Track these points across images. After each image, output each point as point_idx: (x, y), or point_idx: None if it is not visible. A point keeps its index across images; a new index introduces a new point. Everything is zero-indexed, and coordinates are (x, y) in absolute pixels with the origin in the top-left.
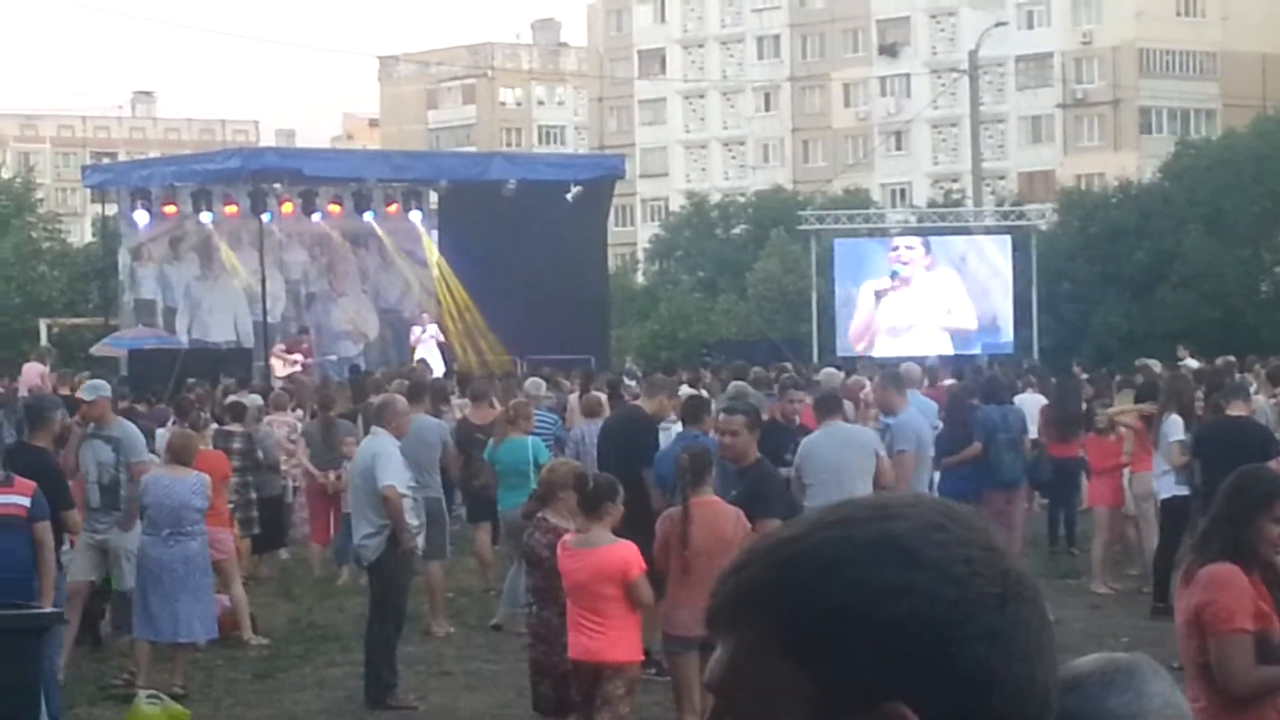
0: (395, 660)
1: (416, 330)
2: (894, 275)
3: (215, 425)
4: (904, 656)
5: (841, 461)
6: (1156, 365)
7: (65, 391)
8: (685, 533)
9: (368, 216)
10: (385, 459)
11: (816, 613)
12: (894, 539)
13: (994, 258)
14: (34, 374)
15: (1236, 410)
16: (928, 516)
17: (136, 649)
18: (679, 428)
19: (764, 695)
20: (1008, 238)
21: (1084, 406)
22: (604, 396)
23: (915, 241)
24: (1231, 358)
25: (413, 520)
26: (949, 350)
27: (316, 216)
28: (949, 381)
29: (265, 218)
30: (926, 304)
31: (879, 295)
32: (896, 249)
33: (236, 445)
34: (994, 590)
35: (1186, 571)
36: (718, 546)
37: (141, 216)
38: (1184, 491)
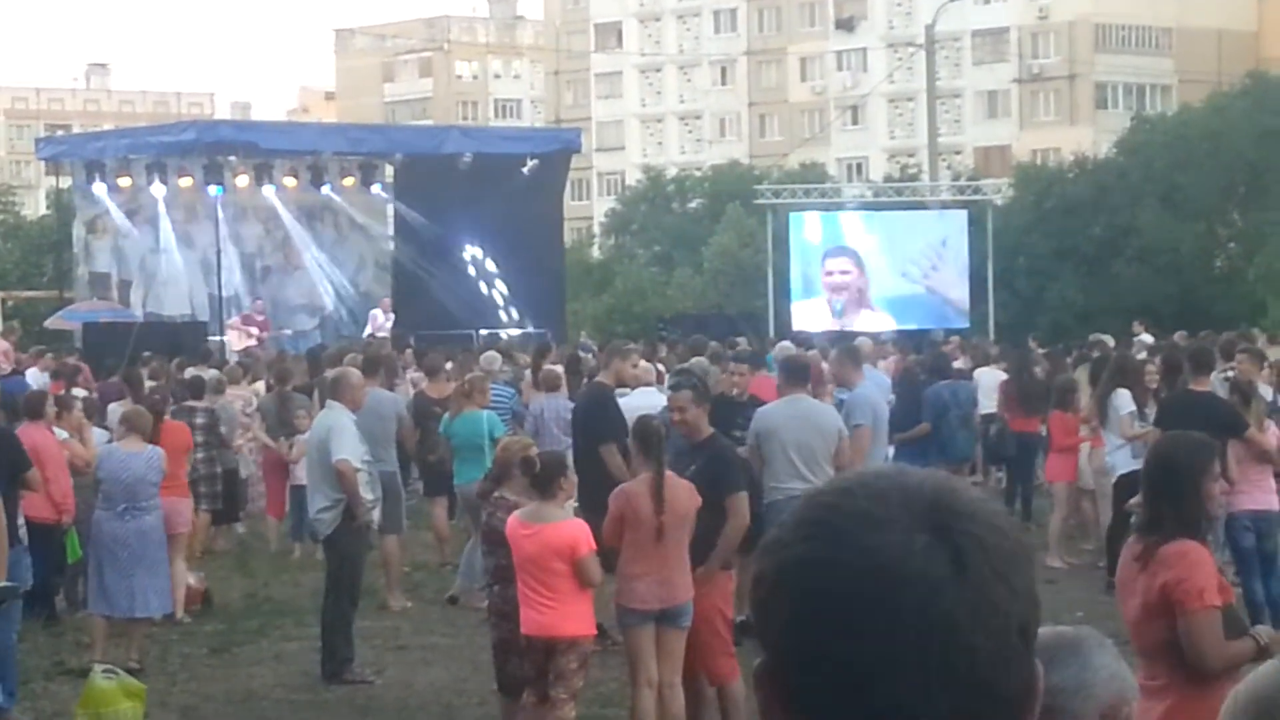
0: (351, 635)
1: (378, 315)
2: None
3: (172, 400)
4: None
5: (803, 438)
6: (1110, 340)
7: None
8: (661, 499)
9: (324, 190)
10: (339, 433)
11: (763, 592)
12: (816, 512)
13: (949, 234)
14: None
15: (1200, 385)
16: (839, 483)
17: (92, 624)
18: (643, 394)
19: None
20: (964, 213)
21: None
22: (562, 370)
23: (849, 264)
24: (1184, 332)
25: (368, 494)
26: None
27: (271, 190)
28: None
29: (220, 190)
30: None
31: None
32: (831, 274)
33: (200, 420)
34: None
35: (1143, 550)
36: (675, 520)
37: (100, 189)
38: (1139, 466)
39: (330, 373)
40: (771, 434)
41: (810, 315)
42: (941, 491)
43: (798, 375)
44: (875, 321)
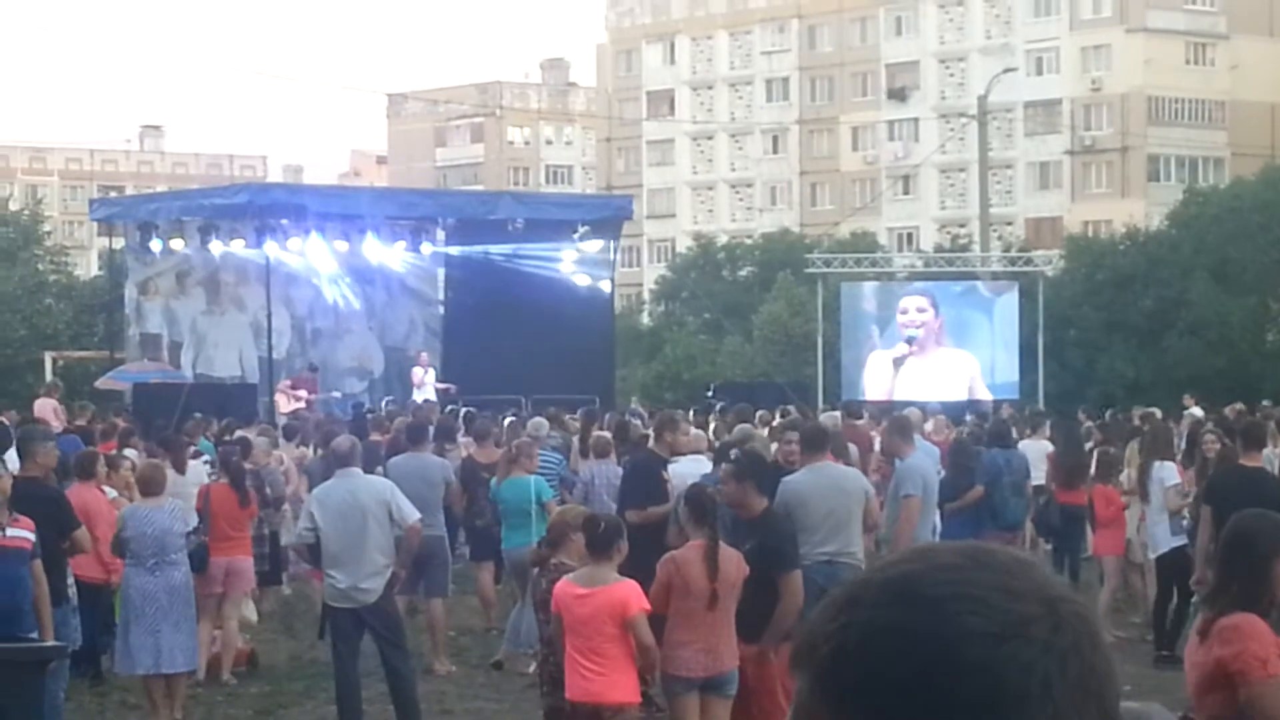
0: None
1: (418, 372)
2: (910, 340)
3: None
4: (894, 692)
5: (830, 506)
6: (1158, 413)
7: (81, 423)
8: (716, 566)
9: (375, 253)
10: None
11: (828, 654)
12: (901, 580)
13: (1000, 304)
14: (46, 409)
15: (1251, 461)
16: (946, 558)
17: (147, 684)
18: (692, 462)
19: None
20: (1015, 284)
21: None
22: (611, 437)
23: (924, 302)
24: (1241, 405)
25: None
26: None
27: (324, 252)
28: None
29: (271, 253)
30: (945, 372)
31: (897, 363)
32: (906, 311)
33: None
34: (989, 630)
35: (1204, 623)
36: (726, 588)
37: (156, 245)
38: (1180, 543)
39: (335, 442)
40: (801, 504)
41: (879, 363)
42: (1028, 564)
43: (817, 443)
44: (949, 358)
